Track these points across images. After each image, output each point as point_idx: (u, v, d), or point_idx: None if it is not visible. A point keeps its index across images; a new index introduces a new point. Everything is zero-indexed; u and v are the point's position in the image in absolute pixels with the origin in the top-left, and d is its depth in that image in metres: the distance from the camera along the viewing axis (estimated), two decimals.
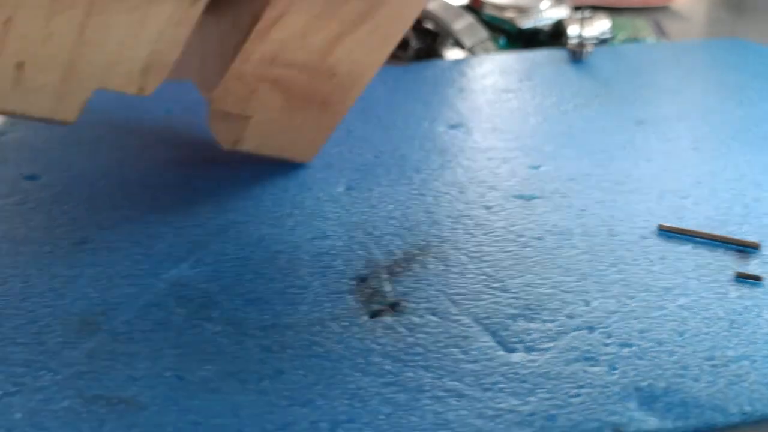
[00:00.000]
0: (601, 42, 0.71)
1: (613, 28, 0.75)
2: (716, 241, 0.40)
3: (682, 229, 0.41)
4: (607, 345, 0.33)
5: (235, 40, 0.41)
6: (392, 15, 0.42)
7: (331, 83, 0.43)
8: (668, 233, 0.41)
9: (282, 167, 0.48)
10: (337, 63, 0.42)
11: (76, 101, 0.37)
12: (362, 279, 0.37)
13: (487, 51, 0.70)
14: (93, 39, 0.35)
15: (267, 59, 0.41)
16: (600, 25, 0.73)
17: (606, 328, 0.34)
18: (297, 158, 0.47)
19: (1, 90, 0.35)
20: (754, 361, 0.32)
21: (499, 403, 0.30)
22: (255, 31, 0.39)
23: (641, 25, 0.80)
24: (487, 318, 0.35)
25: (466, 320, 0.35)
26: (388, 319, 0.35)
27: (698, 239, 0.40)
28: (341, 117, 0.45)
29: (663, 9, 0.89)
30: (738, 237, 0.40)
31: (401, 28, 0.42)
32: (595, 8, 0.77)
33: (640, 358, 0.32)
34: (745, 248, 0.40)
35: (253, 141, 0.45)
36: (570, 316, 0.35)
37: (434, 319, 0.35)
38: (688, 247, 0.40)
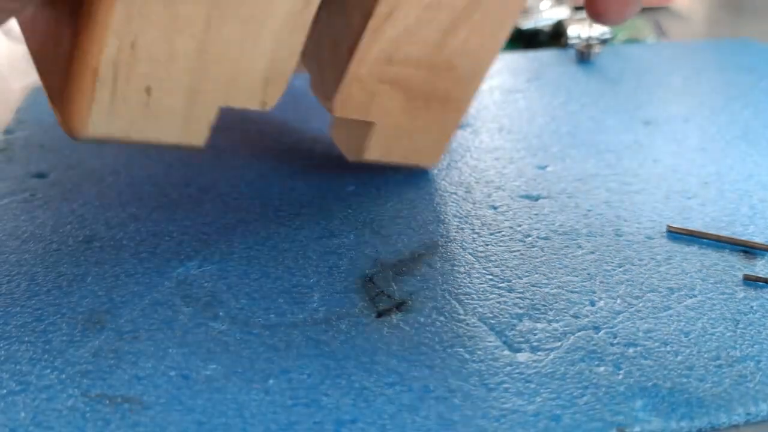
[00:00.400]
0: (602, 42, 0.71)
1: (614, 28, 0.75)
2: (725, 242, 0.40)
3: (691, 231, 0.41)
4: (612, 345, 0.33)
5: (349, 42, 0.39)
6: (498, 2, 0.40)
7: (450, 77, 0.42)
8: (676, 234, 0.41)
9: (288, 166, 0.48)
10: (453, 55, 0.41)
11: (203, 123, 0.37)
12: (369, 278, 0.37)
13: None
14: (213, 55, 0.35)
15: (383, 58, 0.40)
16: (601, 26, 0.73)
17: (612, 328, 0.34)
18: (423, 162, 0.46)
19: (132, 118, 0.35)
20: (759, 361, 0.32)
21: (504, 403, 0.30)
22: (368, 30, 0.38)
23: (641, 25, 0.80)
24: (493, 318, 0.35)
25: (472, 320, 0.34)
26: (394, 318, 0.35)
27: (705, 240, 0.40)
28: (464, 113, 0.44)
29: (663, 9, 0.89)
30: (745, 238, 0.40)
31: (514, 10, 0.41)
32: None
33: (646, 359, 0.32)
34: (753, 250, 0.39)
35: (378, 148, 0.44)
36: (576, 316, 0.35)
37: (440, 318, 0.35)
38: (694, 248, 0.40)
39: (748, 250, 0.39)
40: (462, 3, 0.39)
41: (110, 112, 0.34)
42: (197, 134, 0.37)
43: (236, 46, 0.35)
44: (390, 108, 0.42)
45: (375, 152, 0.44)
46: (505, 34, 0.42)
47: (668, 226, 0.41)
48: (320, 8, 0.37)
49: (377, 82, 0.40)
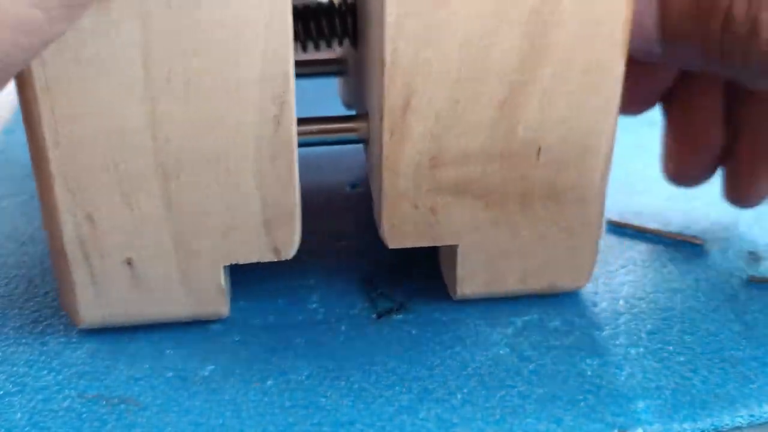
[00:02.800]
0: None
1: None
2: (663, 237, 0.40)
3: (630, 224, 0.40)
4: (615, 345, 0.33)
5: (376, 151, 0.33)
6: (574, 37, 0.30)
7: (543, 164, 0.32)
8: (616, 228, 0.41)
9: None
10: (530, 132, 0.31)
11: (213, 288, 0.33)
12: (369, 279, 0.37)
13: None
14: (186, 209, 0.31)
15: (426, 162, 0.31)
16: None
17: (614, 328, 0.34)
18: (561, 285, 0.35)
19: (125, 297, 0.32)
20: (763, 363, 0.32)
21: (505, 403, 0.30)
22: (385, 131, 0.31)
23: None
24: (494, 318, 0.34)
25: (473, 321, 0.34)
26: (394, 319, 0.34)
27: (707, 240, 0.40)
28: (597, 206, 0.33)
29: None
30: (684, 235, 0.40)
31: (609, 47, 0.30)
32: None
33: (648, 360, 0.32)
34: (691, 244, 0.39)
35: (477, 278, 0.34)
36: (578, 316, 0.34)
37: (440, 319, 0.34)
38: (698, 249, 0.39)
39: (689, 245, 0.39)
40: (515, 59, 0.30)
41: (98, 294, 0.32)
42: (211, 302, 0.33)
43: (210, 193, 0.31)
44: (468, 223, 0.33)
45: (474, 284, 0.34)
46: (612, 83, 0.31)
47: (608, 220, 0.41)
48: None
49: (431, 194, 0.32)
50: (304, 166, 0.47)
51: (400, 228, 0.33)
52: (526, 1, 0.29)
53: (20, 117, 0.49)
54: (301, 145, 0.32)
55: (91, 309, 0.32)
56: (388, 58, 0.29)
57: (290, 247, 0.32)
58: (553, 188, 0.32)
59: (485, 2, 0.28)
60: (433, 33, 0.29)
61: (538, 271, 0.34)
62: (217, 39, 0.28)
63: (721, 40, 0.31)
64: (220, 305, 0.33)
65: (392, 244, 0.33)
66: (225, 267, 0.32)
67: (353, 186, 0.45)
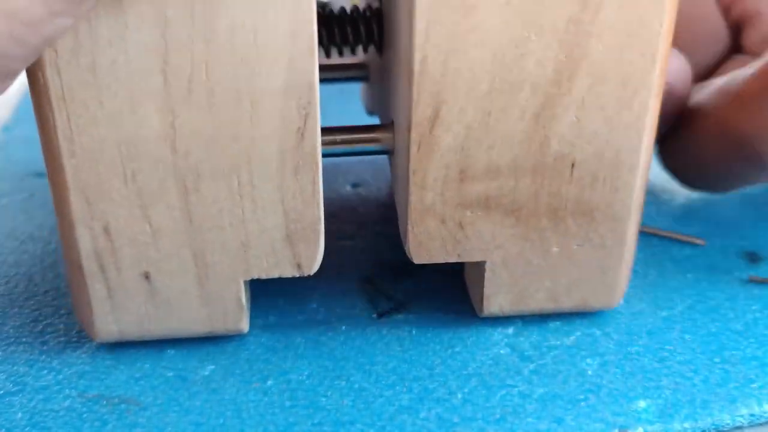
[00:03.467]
0: None
1: None
2: (663, 236, 0.40)
3: None
4: (614, 345, 0.33)
5: (402, 166, 0.32)
6: (612, 48, 0.29)
7: (576, 179, 0.31)
8: None
9: None
10: (564, 146, 0.30)
11: (232, 303, 0.32)
12: (369, 279, 0.37)
13: None
14: (205, 222, 0.30)
15: (453, 176, 0.30)
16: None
17: (614, 328, 0.34)
18: (592, 305, 0.34)
19: (142, 311, 0.31)
20: (763, 362, 0.32)
21: (505, 403, 0.30)
22: (413, 143, 0.30)
23: None
24: (494, 318, 0.34)
25: (473, 320, 0.34)
26: (394, 319, 0.34)
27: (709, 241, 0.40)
28: (630, 225, 0.32)
29: None
30: (684, 235, 0.40)
31: (647, 55, 0.29)
32: None
33: (648, 359, 0.32)
34: (691, 244, 0.40)
35: (505, 297, 0.33)
36: (578, 316, 0.34)
37: (440, 318, 0.34)
38: (699, 249, 0.39)
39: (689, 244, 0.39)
40: (549, 70, 0.29)
41: (114, 308, 0.31)
42: (230, 318, 0.32)
43: (231, 206, 0.30)
44: (497, 239, 0.32)
45: (501, 302, 0.34)
46: (648, 96, 0.30)
47: None
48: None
49: (459, 209, 0.31)
50: None
51: (427, 244, 0.32)
52: (563, 11, 0.28)
53: (19, 115, 0.49)
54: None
55: (107, 323, 0.32)
56: (416, 67, 0.28)
57: (313, 263, 0.31)
58: (586, 204, 0.31)
59: (517, 11, 0.27)
60: (464, 42, 0.28)
61: (569, 290, 0.33)
62: (240, 48, 0.27)
63: None
64: (240, 321, 0.32)
65: (418, 259, 0.32)
66: (245, 282, 0.32)
67: (353, 186, 0.45)
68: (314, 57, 0.28)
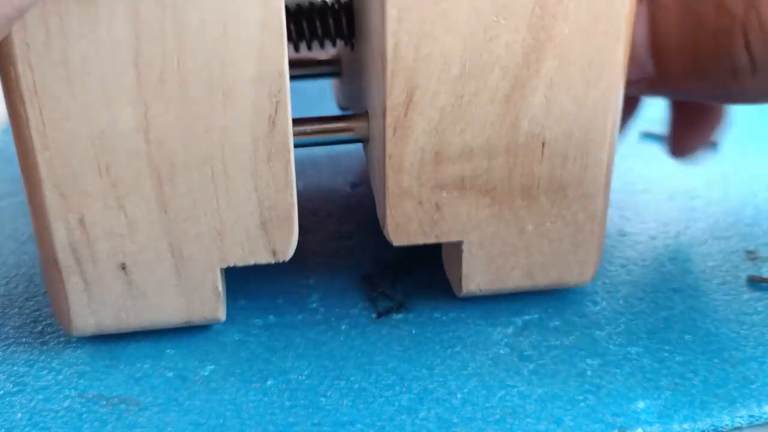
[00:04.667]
0: None
1: None
2: None
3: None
4: (614, 346, 0.33)
5: (379, 149, 0.32)
6: (577, 30, 0.30)
7: (547, 158, 0.32)
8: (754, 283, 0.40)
9: None
10: (535, 127, 0.31)
11: (209, 292, 0.32)
12: (369, 278, 0.37)
13: None
14: (180, 212, 0.30)
15: (429, 158, 0.31)
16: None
17: (614, 328, 0.34)
18: (566, 281, 0.35)
19: (119, 303, 0.31)
20: (763, 363, 0.32)
21: (505, 403, 0.30)
22: (388, 127, 0.30)
23: None
24: (494, 318, 0.34)
25: (473, 320, 0.34)
26: (394, 319, 0.34)
27: (708, 240, 0.40)
28: (600, 203, 0.33)
29: None
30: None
31: (613, 36, 0.30)
32: None
33: (648, 359, 0.32)
34: (690, 244, 0.39)
35: (482, 275, 0.34)
36: (578, 316, 0.34)
37: (440, 318, 0.34)
38: (698, 249, 0.39)
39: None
40: (518, 53, 0.29)
41: (91, 301, 0.31)
42: (208, 306, 0.32)
43: (206, 196, 0.30)
44: (473, 219, 0.33)
45: (479, 281, 0.34)
46: (613, 76, 0.31)
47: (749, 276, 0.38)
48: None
49: (436, 191, 0.32)
50: (305, 165, 0.47)
51: (405, 226, 0.32)
52: None
53: None
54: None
55: (84, 316, 0.32)
56: (389, 53, 0.29)
57: (288, 249, 0.32)
58: (558, 182, 0.32)
59: None
60: (435, 27, 0.29)
61: (544, 267, 0.34)
62: (211, 39, 0.27)
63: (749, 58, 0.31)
64: (217, 310, 0.32)
65: (397, 241, 0.32)
66: (221, 270, 0.32)
67: (353, 186, 0.45)
68: (284, 45, 0.28)
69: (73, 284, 0.31)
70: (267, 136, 0.29)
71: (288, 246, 0.32)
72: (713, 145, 0.38)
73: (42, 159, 0.29)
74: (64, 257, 0.30)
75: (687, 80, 0.33)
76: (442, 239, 0.33)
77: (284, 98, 0.29)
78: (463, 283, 0.34)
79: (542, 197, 0.32)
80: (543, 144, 0.31)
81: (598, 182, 0.32)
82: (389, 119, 0.30)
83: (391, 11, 0.28)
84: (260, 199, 0.31)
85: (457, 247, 0.33)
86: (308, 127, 0.34)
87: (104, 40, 0.27)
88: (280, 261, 0.32)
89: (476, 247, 0.33)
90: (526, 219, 0.33)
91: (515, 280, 0.34)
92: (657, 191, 0.45)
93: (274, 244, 0.31)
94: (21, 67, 0.27)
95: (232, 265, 0.32)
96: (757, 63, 0.31)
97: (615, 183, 0.45)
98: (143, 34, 0.27)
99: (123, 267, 0.31)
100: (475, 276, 0.34)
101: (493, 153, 0.31)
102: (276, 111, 0.29)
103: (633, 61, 0.32)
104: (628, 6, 0.29)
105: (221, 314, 0.33)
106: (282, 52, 0.28)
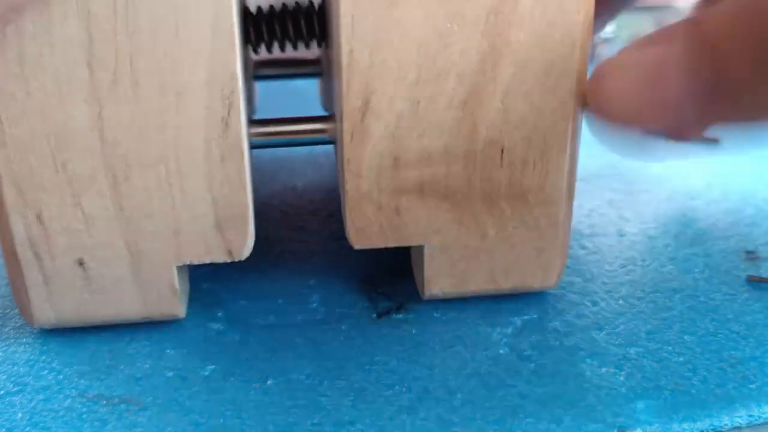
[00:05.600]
0: (605, 41, 0.71)
1: (616, 27, 0.75)
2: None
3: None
4: (614, 346, 0.33)
5: (339, 154, 0.33)
6: (533, 37, 0.30)
7: (507, 164, 0.32)
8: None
9: (286, 163, 0.47)
10: (494, 132, 0.31)
11: (165, 288, 0.32)
12: (369, 278, 0.37)
13: None
14: (135, 210, 0.31)
15: (387, 164, 0.31)
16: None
17: (614, 328, 0.34)
18: (530, 285, 0.35)
19: (78, 298, 0.32)
20: (762, 363, 0.32)
21: (505, 403, 0.30)
22: (346, 133, 0.31)
23: (644, 23, 0.79)
24: (493, 317, 0.34)
25: (473, 320, 0.34)
26: (394, 319, 0.34)
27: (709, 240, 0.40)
28: (563, 207, 0.33)
29: (666, 7, 0.88)
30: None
31: (569, 44, 0.30)
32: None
33: (648, 359, 0.32)
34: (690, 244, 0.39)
35: (446, 278, 0.34)
36: (578, 316, 0.34)
37: (440, 318, 0.34)
38: (698, 249, 0.39)
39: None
40: (474, 59, 0.30)
41: (51, 295, 0.32)
42: (165, 303, 0.33)
43: (161, 195, 0.31)
44: (434, 223, 0.33)
45: (442, 284, 0.34)
46: (570, 83, 0.31)
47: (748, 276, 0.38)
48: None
49: (395, 195, 0.32)
50: (305, 165, 0.47)
51: (365, 229, 0.33)
52: (484, 1, 0.29)
53: None
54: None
55: (44, 310, 0.32)
56: (344, 59, 0.29)
57: (243, 248, 0.32)
58: (518, 188, 0.32)
59: (439, 3, 0.29)
60: (389, 34, 0.29)
61: (507, 271, 0.34)
62: (162, 41, 0.28)
63: None
64: (174, 306, 0.33)
65: (358, 245, 0.33)
66: (179, 267, 0.32)
67: None
68: (236, 47, 0.29)
69: (32, 278, 0.31)
70: (220, 137, 0.30)
71: (243, 246, 0.32)
72: (715, 142, 0.37)
73: (0, 155, 0.29)
74: (23, 251, 0.31)
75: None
76: (403, 243, 0.33)
77: (237, 100, 0.29)
78: (426, 286, 0.34)
79: (503, 202, 0.33)
80: (502, 150, 0.31)
81: (559, 188, 0.32)
82: (346, 124, 0.30)
83: (345, 19, 0.29)
84: (215, 199, 0.31)
85: (420, 250, 0.34)
86: (283, 128, 0.34)
87: (57, 40, 0.28)
88: (236, 260, 0.32)
89: (438, 252, 0.33)
90: (488, 224, 0.33)
91: (479, 283, 0.34)
92: (656, 191, 0.45)
93: (230, 243, 0.32)
94: None
95: (188, 262, 0.32)
96: None
97: (615, 183, 0.45)
98: (95, 35, 0.28)
99: (81, 262, 0.31)
100: (438, 279, 0.34)
101: (451, 158, 0.31)
102: (229, 113, 0.29)
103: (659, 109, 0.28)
104: (583, 13, 0.29)
105: (179, 311, 0.33)
106: (234, 55, 0.29)
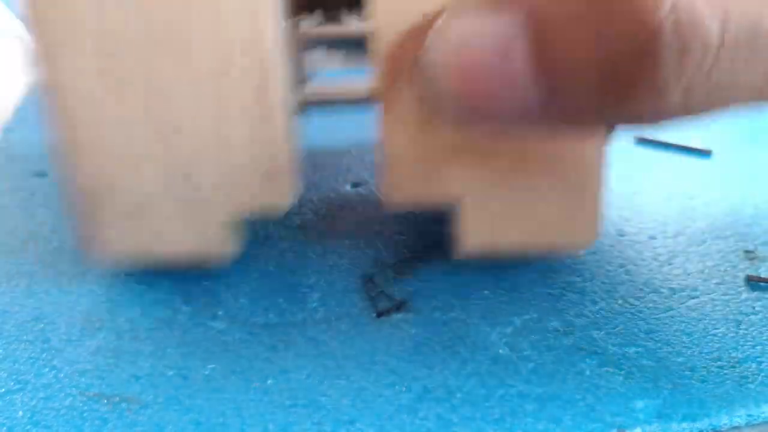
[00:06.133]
0: None
1: None
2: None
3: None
4: (613, 345, 0.33)
5: (378, 110, 0.33)
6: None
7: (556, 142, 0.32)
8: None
9: None
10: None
11: (219, 226, 0.34)
12: (369, 278, 0.37)
13: None
14: (182, 156, 0.33)
15: (424, 122, 0.32)
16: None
17: (613, 328, 0.34)
18: (569, 245, 0.35)
19: (128, 232, 0.34)
20: (761, 363, 0.32)
21: (504, 402, 0.30)
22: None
23: None
24: (493, 318, 0.34)
25: (473, 320, 0.34)
26: (394, 318, 0.34)
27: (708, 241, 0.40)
28: (598, 166, 0.33)
29: None
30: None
31: None
32: None
33: (647, 359, 0.32)
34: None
35: (481, 235, 0.34)
36: (577, 316, 0.34)
37: (440, 318, 0.34)
38: (697, 249, 0.39)
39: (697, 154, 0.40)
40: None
41: (116, 232, 0.34)
42: (218, 241, 0.34)
43: (210, 144, 0.32)
44: (469, 181, 0.33)
45: (478, 240, 0.35)
46: None
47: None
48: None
49: (432, 153, 0.33)
50: (305, 165, 0.47)
51: (401, 188, 0.33)
52: None
53: (20, 116, 0.49)
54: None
55: (111, 243, 0.34)
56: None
57: (290, 200, 0.34)
58: (553, 146, 0.33)
59: None
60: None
61: (542, 229, 0.34)
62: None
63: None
64: (226, 245, 0.34)
65: (392, 203, 0.34)
66: (230, 214, 0.34)
67: (353, 186, 0.45)
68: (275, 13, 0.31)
69: (101, 214, 0.33)
70: (259, 98, 0.31)
71: (289, 198, 0.33)
72: (706, 152, 0.37)
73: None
74: (92, 188, 0.33)
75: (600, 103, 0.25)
76: (437, 201, 0.34)
77: (273, 66, 0.31)
78: (460, 244, 0.35)
79: (539, 160, 0.33)
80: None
81: (594, 145, 0.33)
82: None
83: None
84: (256, 154, 0.32)
85: (454, 209, 0.34)
86: (328, 91, 0.37)
87: None
88: (281, 211, 0.34)
89: (472, 210, 0.34)
90: (522, 181, 0.33)
91: (513, 242, 0.35)
92: (655, 191, 0.45)
93: (273, 194, 0.33)
94: None
95: (238, 210, 0.34)
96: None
97: (613, 183, 0.45)
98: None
99: (139, 205, 0.33)
100: (472, 238, 0.35)
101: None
102: (267, 75, 0.31)
103: (509, 89, 0.24)
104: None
105: (230, 251, 0.35)
106: (274, 19, 0.31)
